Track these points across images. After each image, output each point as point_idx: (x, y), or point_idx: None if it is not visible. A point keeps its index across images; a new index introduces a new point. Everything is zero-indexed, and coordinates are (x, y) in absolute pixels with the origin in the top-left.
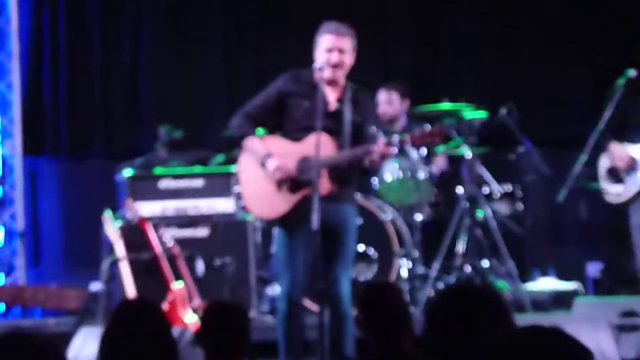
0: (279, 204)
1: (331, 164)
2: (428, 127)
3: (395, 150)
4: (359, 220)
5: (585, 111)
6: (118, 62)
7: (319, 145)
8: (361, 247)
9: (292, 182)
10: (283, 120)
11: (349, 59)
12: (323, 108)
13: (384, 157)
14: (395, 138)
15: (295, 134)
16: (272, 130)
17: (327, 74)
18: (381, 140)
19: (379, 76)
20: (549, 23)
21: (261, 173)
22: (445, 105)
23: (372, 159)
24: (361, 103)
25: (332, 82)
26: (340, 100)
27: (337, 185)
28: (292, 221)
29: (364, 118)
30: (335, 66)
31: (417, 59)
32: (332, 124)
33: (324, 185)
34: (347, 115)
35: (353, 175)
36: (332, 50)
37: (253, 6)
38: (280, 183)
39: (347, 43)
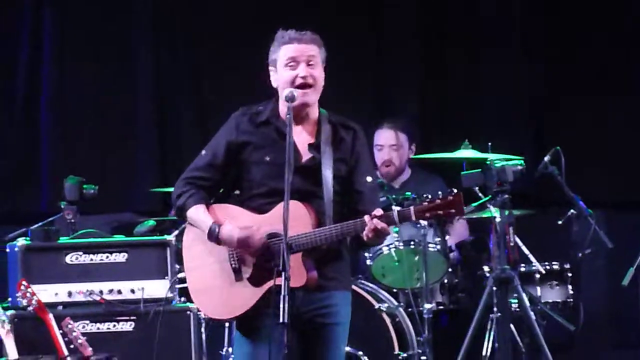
0: (238, 300)
1: (306, 247)
2: (437, 192)
3: (391, 228)
4: None
5: None
6: (9, 92)
7: (286, 221)
8: (348, 349)
9: (256, 271)
10: (239, 183)
11: (321, 76)
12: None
13: (379, 234)
14: (394, 211)
15: (257, 201)
16: (224, 196)
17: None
18: (375, 211)
19: (371, 113)
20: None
21: (211, 255)
22: (466, 151)
23: (366, 233)
24: (346, 144)
25: (299, 117)
26: (313, 145)
27: (318, 273)
28: (254, 317)
29: (354, 166)
30: (305, 86)
31: (424, 90)
32: (307, 183)
33: (298, 274)
34: (327, 169)
35: (342, 253)
36: (297, 61)
37: (198, 19)
38: (238, 269)
39: (316, 52)
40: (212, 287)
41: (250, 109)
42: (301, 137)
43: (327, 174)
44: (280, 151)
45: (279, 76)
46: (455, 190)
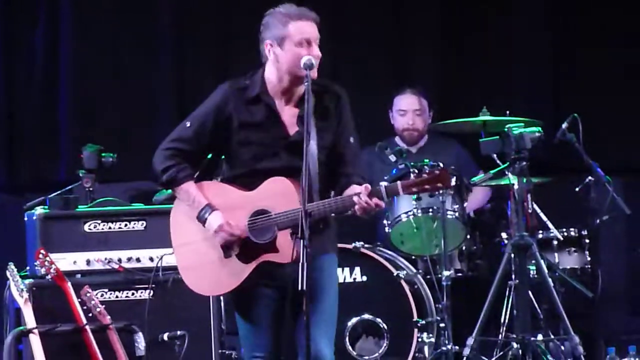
0: (227, 277)
1: (294, 224)
2: (454, 156)
3: (383, 204)
4: (363, 278)
5: None
6: (28, 61)
7: (305, 188)
8: (366, 316)
9: (245, 248)
10: (225, 158)
11: None
12: (280, 137)
13: (367, 211)
14: (381, 186)
15: (242, 180)
16: (207, 171)
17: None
18: (363, 188)
19: (389, 78)
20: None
21: (200, 233)
22: (484, 118)
23: (356, 210)
24: (330, 111)
25: (289, 92)
26: (299, 118)
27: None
28: (247, 293)
29: (340, 134)
30: (313, 66)
31: (442, 56)
32: (294, 158)
33: (287, 251)
34: (313, 142)
35: (328, 221)
36: (309, 42)
37: None
38: (227, 248)
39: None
40: (202, 264)
41: (237, 82)
42: (288, 111)
43: (312, 146)
44: (268, 131)
45: (286, 53)
46: (442, 165)
